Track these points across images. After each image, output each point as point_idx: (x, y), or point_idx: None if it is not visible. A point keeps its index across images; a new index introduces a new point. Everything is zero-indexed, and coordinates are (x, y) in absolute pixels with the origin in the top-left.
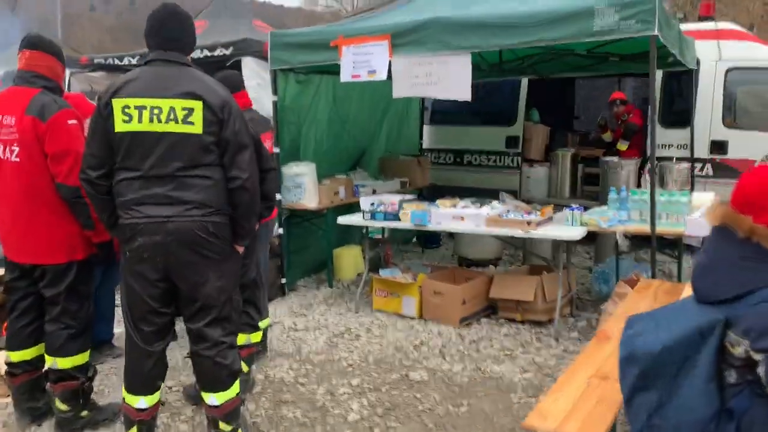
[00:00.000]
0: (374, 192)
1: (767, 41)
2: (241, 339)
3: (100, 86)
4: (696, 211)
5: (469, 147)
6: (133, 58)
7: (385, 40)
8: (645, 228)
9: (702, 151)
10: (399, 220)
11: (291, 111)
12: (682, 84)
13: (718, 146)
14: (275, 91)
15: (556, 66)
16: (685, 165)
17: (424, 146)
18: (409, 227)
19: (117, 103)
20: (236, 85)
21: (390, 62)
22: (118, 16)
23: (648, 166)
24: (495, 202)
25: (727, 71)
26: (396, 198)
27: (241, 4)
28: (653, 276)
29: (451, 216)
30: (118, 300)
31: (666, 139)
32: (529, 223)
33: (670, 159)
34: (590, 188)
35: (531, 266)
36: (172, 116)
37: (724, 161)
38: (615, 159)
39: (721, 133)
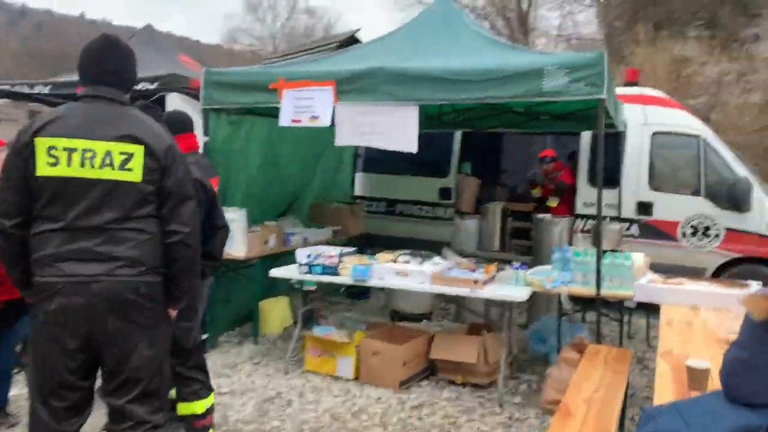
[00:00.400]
0: (306, 240)
1: (687, 108)
2: (201, 407)
3: (4, 115)
4: (642, 276)
5: (403, 197)
6: (46, 86)
7: (330, 86)
8: (589, 291)
9: (629, 211)
10: (338, 274)
11: (220, 153)
12: (608, 145)
13: (645, 207)
14: (206, 132)
15: (491, 121)
16: (618, 225)
17: (357, 194)
18: (349, 282)
19: (41, 143)
20: (184, 126)
21: (334, 108)
22: (23, 41)
23: (581, 224)
24: (437, 258)
25: (653, 135)
26: (334, 251)
27: (166, 38)
28: (598, 340)
29: (395, 272)
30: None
31: (593, 198)
32: (475, 282)
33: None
34: (519, 242)
35: (470, 325)
36: (107, 161)
37: (649, 222)
38: (548, 216)
39: (647, 195)
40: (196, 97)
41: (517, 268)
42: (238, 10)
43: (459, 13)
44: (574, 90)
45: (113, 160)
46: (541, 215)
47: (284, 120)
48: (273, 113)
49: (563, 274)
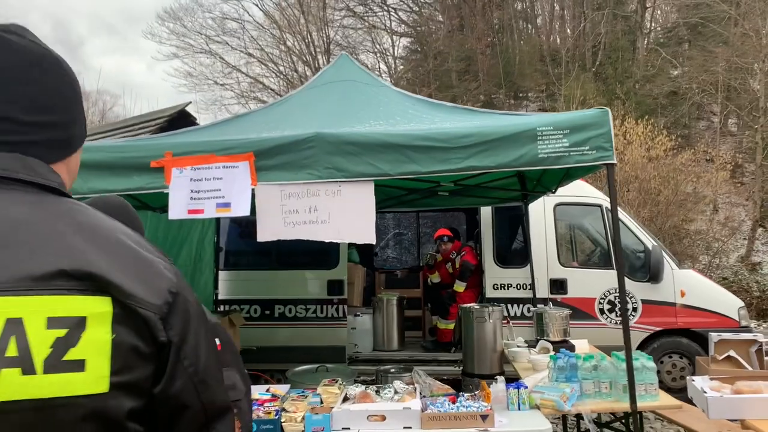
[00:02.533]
0: None
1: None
2: None
3: None
4: (698, 380)
5: (282, 296)
6: None
7: (246, 161)
8: (621, 405)
9: (542, 290)
10: (281, 431)
11: None
12: (512, 221)
13: (558, 285)
14: None
15: (389, 202)
16: (564, 310)
17: (221, 297)
18: None
19: None
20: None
21: (253, 191)
22: None
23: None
24: (397, 383)
25: (555, 207)
26: (260, 391)
27: None
28: None
29: (366, 415)
30: None
31: (504, 278)
32: (484, 417)
33: (511, 301)
34: (412, 334)
35: None
36: (13, 349)
37: (565, 300)
38: (475, 306)
39: (558, 272)
40: None
41: (515, 386)
42: None
43: (371, 75)
44: (577, 155)
45: (29, 345)
46: (467, 305)
47: (177, 210)
48: (141, 203)
49: (574, 385)
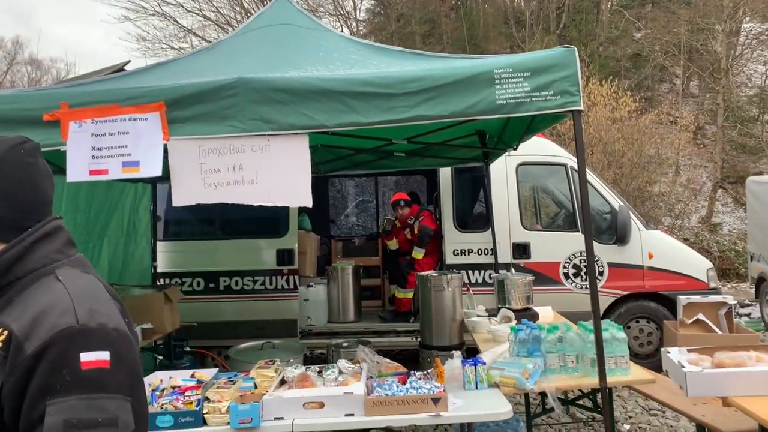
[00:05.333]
0: None
1: (545, 135)
2: None
3: None
4: (674, 352)
5: (227, 267)
6: None
7: (156, 111)
8: (584, 380)
9: (504, 255)
10: (205, 423)
11: None
12: (473, 183)
13: (521, 249)
14: None
15: (339, 163)
16: (527, 276)
17: (160, 270)
18: None
19: None
20: None
21: (165, 147)
22: None
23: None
24: (343, 362)
25: (518, 166)
26: (182, 378)
27: None
28: None
29: (302, 403)
30: None
31: (464, 244)
32: (436, 400)
33: (472, 267)
34: (369, 304)
35: None
36: None
37: (528, 265)
38: (433, 274)
39: (521, 235)
40: None
41: (471, 363)
42: None
43: (313, 19)
44: (539, 101)
45: None
46: (425, 273)
47: (75, 172)
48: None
49: (537, 360)
